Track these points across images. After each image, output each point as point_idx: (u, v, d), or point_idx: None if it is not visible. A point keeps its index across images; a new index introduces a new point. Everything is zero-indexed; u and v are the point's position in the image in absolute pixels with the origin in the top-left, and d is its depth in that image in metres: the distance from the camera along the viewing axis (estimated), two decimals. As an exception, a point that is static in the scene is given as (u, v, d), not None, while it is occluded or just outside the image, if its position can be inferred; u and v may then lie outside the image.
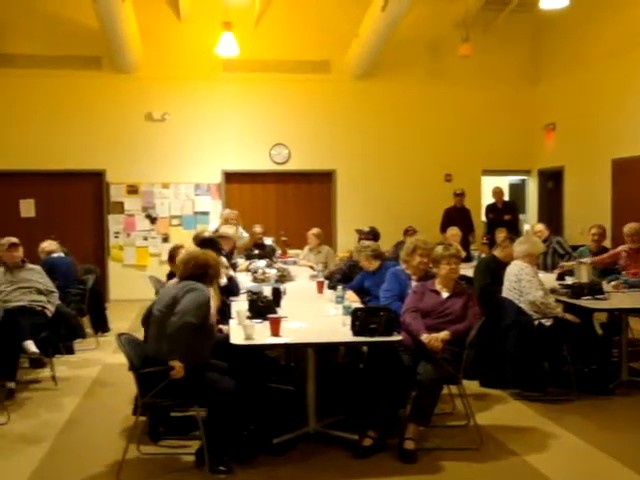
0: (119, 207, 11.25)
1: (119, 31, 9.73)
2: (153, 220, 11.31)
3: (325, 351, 5.35)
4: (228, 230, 7.81)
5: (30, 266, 6.39)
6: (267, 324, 4.50)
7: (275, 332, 4.36)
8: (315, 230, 9.15)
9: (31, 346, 5.76)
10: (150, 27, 10.68)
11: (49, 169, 10.97)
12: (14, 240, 6.24)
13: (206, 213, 11.36)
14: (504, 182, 12.67)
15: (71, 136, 10.94)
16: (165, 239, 11.27)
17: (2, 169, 10.84)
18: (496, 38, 11.55)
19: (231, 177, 11.52)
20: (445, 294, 4.82)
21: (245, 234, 9.22)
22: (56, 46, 10.70)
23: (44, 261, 7.25)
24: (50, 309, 6.17)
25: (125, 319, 9.18)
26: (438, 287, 4.86)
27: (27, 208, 11.14)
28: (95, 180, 11.20)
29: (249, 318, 4.73)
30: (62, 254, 7.75)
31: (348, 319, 4.60)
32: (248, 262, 7.96)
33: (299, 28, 11.22)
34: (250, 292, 5.18)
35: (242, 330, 4.34)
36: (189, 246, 6.08)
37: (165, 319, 4.12)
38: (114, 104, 10.99)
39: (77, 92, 10.89)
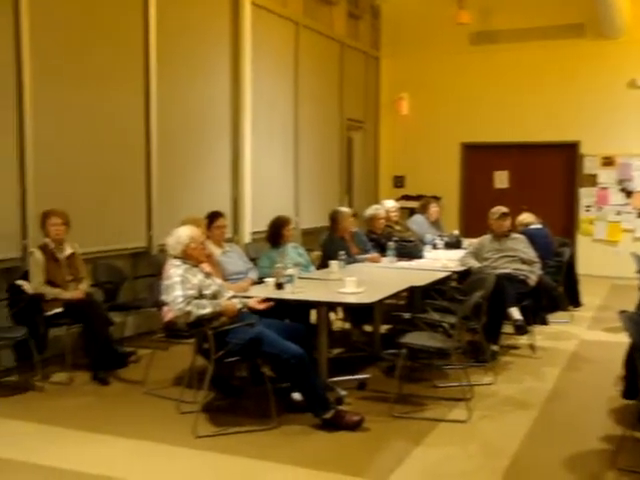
0: (592, 180, 10.89)
1: (608, -6, 9.32)
2: (629, 194, 10.67)
3: None
4: None
5: (515, 235, 6.55)
6: None
7: None
8: None
9: (515, 313, 5.94)
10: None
11: (522, 141, 11.13)
12: (505, 210, 6.44)
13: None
14: None
15: (545, 107, 10.90)
16: (640, 214, 10.59)
17: (480, 141, 11.40)
18: None
19: None
20: None
21: None
22: (537, 17, 10.74)
23: (523, 232, 7.34)
24: (533, 278, 6.25)
25: (595, 295, 8.92)
26: None
27: (501, 179, 11.54)
28: (568, 151, 11.00)
29: None
30: (539, 226, 7.82)
31: None
32: None
33: None
34: None
35: None
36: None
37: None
38: (594, 72, 10.59)
39: (556, 62, 10.78)
